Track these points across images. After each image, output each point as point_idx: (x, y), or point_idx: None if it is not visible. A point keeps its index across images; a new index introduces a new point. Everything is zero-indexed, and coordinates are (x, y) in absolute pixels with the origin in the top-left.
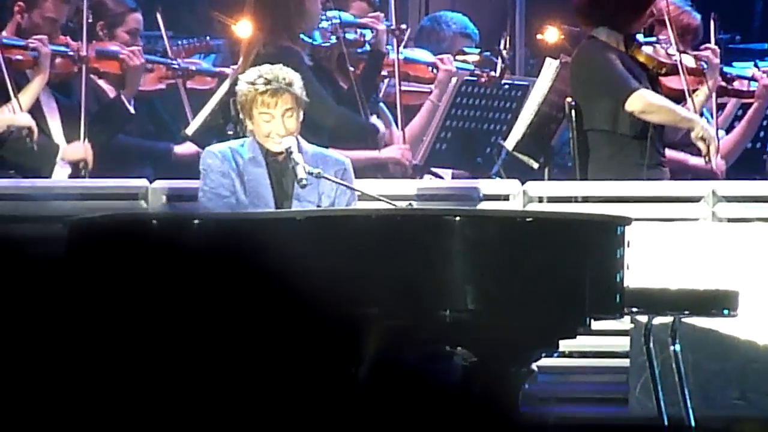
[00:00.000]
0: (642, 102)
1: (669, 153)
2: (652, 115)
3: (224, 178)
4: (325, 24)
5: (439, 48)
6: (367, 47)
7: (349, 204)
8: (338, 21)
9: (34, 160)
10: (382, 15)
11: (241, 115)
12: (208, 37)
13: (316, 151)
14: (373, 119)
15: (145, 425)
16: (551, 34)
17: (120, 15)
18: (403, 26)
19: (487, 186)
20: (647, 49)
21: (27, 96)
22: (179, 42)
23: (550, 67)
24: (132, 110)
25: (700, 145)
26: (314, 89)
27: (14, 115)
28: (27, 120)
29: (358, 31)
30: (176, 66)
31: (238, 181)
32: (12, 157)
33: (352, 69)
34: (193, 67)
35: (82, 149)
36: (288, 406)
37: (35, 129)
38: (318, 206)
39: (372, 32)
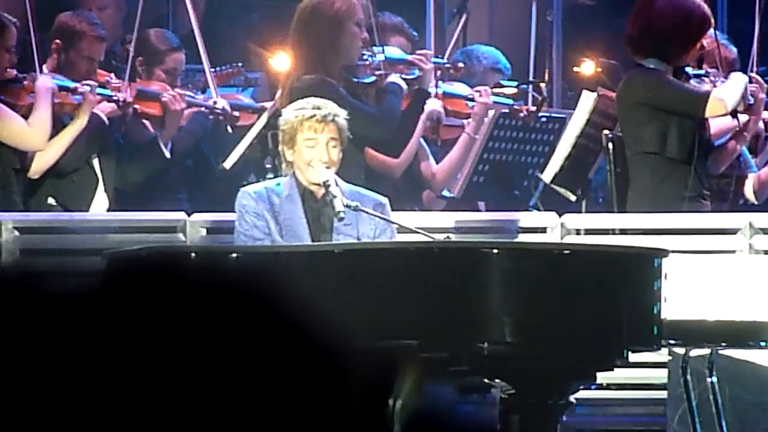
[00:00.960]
0: (722, 105)
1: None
2: (731, 107)
3: (258, 220)
4: (370, 59)
5: (470, 82)
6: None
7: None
8: (383, 59)
9: (73, 193)
10: (431, 54)
11: (280, 147)
12: (240, 64)
13: (353, 189)
14: (392, 78)
15: None
16: (588, 67)
17: (161, 54)
18: (460, 65)
19: (524, 218)
20: (695, 83)
21: (65, 137)
22: (213, 69)
23: (588, 100)
24: (168, 154)
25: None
26: (355, 107)
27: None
28: (47, 83)
29: (407, 69)
30: (219, 111)
31: (273, 222)
32: (52, 190)
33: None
34: (232, 106)
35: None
36: None
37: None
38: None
39: (418, 70)
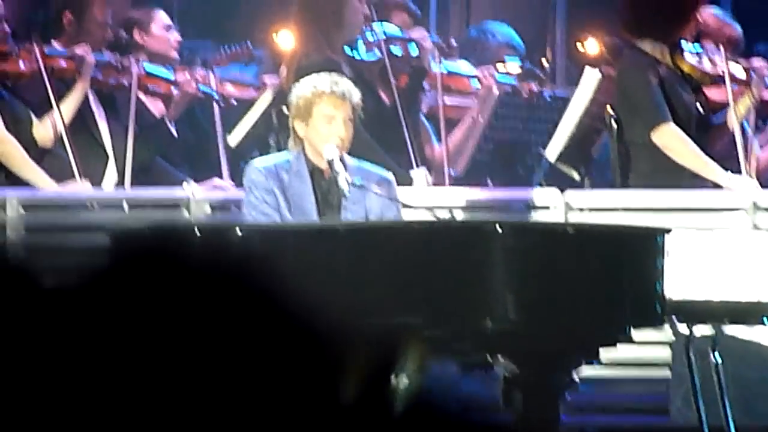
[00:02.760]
0: (669, 137)
1: None
2: (673, 152)
3: (268, 195)
4: (370, 37)
5: (483, 58)
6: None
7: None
8: (384, 36)
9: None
10: (427, 34)
11: (291, 122)
12: (248, 43)
13: (359, 165)
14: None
15: None
16: (592, 45)
17: (146, 14)
18: (453, 43)
19: (528, 196)
20: (691, 60)
21: (68, 104)
22: (221, 49)
23: (591, 78)
24: (175, 133)
25: None
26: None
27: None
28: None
29: (405, 45)
30: (217, 98)
31: (282, 198)
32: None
33: (393, 82)
34: (233, 80)
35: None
36: (328, 412)
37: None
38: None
39: (417, 47)
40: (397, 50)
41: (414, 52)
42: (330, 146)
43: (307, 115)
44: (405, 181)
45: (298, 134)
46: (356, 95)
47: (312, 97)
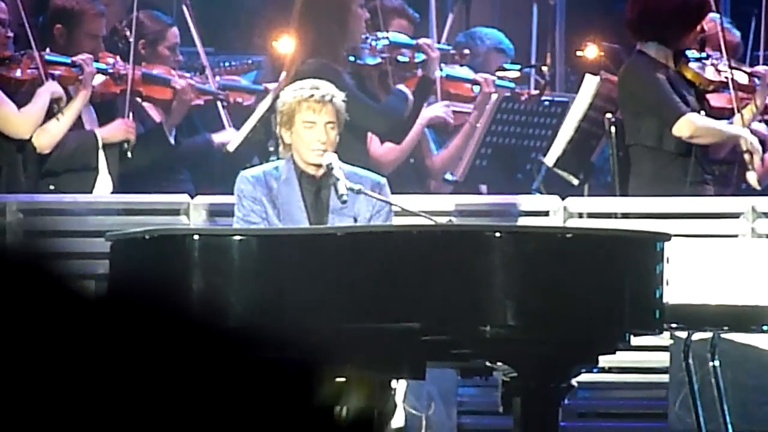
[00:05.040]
0: (690, 127)
1: None
2: (700, 138)
3: (255, 204)
4: (373, 44)
5: (474, 63)
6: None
7: (387, 222)
8: (388, 42)
9: (77, 158)
10: (434, 41)
11: (278, 130)
12: (250, 60)
13: (352, 170)
14: (399, 87)
15: None
16: (591, 51)
17: (159, 32)
18: (466, 52)
19: (527, 202)
20: (695, 66)
21: (70, 112)
22: (222, 64)
23: (590, 84)
24: (172, 141)
25: (746, 157)
26: (359, 101)
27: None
28: (54, 88)
29: (413, 53)
30: (220, 96)
31: (270, 206)
32: (56, 165)
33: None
34: (232, 86)
35: (122, 127)
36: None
37: (63, 97)
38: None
39: (423, 55)
40: (402, 57)
41: (419, 58)
42: (328, 153)
43: (290, 123)
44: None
45: (285, 141)
46: (338, 98)
47: (293, 103)
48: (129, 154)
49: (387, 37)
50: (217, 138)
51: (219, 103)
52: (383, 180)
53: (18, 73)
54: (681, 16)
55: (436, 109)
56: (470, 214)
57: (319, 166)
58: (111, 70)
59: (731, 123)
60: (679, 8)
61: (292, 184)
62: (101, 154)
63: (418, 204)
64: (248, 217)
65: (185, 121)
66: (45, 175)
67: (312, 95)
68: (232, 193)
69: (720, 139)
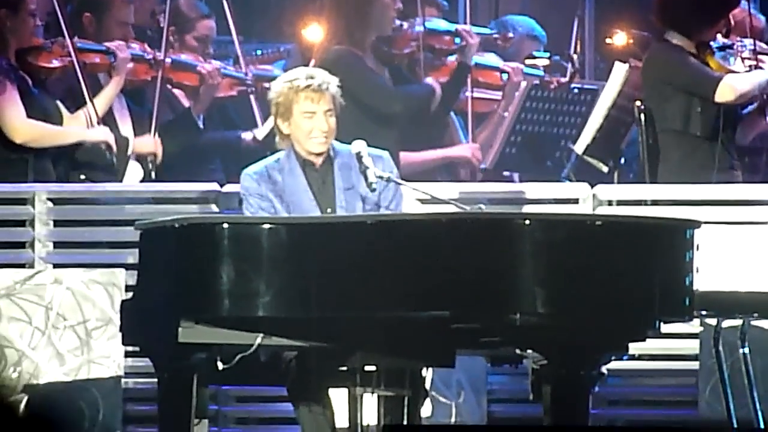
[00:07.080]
0: (733, 90)
1: None
2: (745, 96)
3: (263, 201)
4: (409, 30)
5: (506, 51)
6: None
7: (395, 198)
8: (423, 29)
9: (106, 158)
10: (471, 28)
11: (274, 120)
12: (281, 48)
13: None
14: (428, 80)
15: None
16: (620, 39)
17: (192, 21)
18: (510, 35)
19: (556, 189)
20: (720, 57)
21: (102, 99)
22: (253, 52)
23: (620, 71)
24: (201, 125)
25: None
26: (374, 82)
27: (90, 129)
28: (103, 135)
29: (452, 39)
30: (249, 82)
31: (277, 200)
32: (86, 158)
33: (423, 75)
34: (264, 76)
35: (151, 142)
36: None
37: (112, 143)
38: (365, 209)
39: (461, 41)
40: (438, 44)
41: (458, 43)
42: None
43: (288, 114)
44: None
45: (283, 132)
46: (333, 84)
47: (290, 93)
48: (153, 174)
49: (423, 24)
50: (246, 136)
51: (251, 97)
52: (384, 153)
53: (50, 61)
54: (704, 8)
55: (464, 149)
56: (500, 202)
57: (320, 154)
58: (148, 56)
59: (756, 106)
60: (702, 1)
61: (297, 174)
62: (131, 162)
63: (447, 191)
64: (257, 215)
65: (222, 113)
66: (75, 167)
67: (309, 85)
68: None
69: (759, 86)
